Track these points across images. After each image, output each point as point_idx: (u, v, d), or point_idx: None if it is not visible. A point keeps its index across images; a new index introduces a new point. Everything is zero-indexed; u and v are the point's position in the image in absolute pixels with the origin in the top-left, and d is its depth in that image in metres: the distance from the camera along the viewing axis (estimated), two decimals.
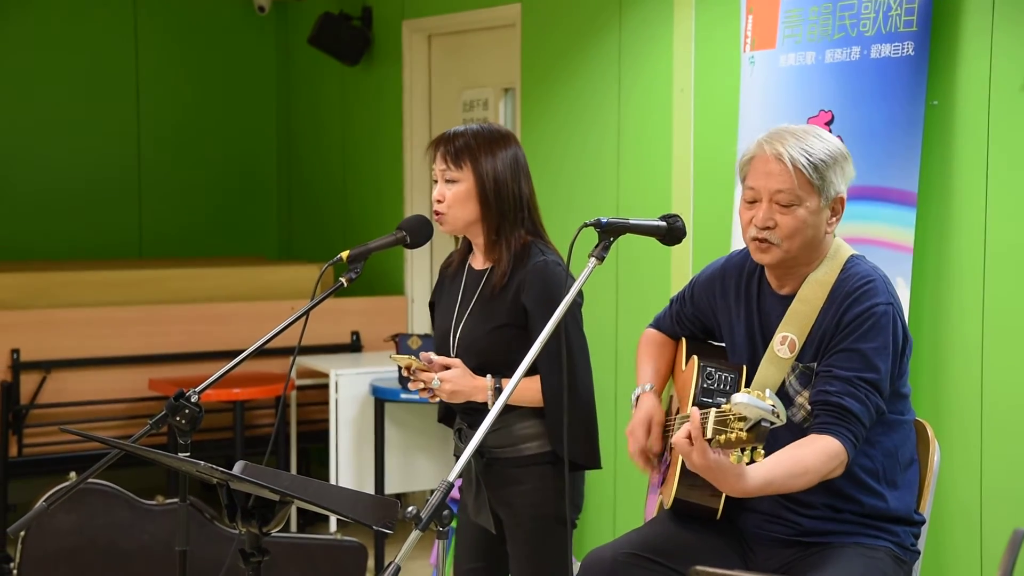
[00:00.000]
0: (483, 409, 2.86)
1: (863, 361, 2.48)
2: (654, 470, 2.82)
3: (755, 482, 2.32)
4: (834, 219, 2.58)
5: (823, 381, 2.51)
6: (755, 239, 2.56)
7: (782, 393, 2.57)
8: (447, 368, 2.85)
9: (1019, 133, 3.27)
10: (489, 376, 2.86)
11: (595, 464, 2.93)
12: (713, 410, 2.22)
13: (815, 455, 2.41)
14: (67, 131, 6.47)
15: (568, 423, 2.77)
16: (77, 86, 6.47)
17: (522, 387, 2.80)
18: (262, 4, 6.68)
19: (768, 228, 2.53)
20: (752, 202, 2.56)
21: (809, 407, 2.54)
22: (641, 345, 2.96)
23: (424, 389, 2.86)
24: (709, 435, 2.22)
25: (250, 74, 6.90)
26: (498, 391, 2.84)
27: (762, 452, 2.15)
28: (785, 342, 2.57)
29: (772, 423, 2.11)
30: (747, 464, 2.20)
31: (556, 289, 2.82)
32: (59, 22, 6.42)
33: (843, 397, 2.46)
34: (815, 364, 2.55)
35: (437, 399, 2.89)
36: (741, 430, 2.13)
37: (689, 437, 2.26)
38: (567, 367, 2.74)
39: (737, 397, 2.12)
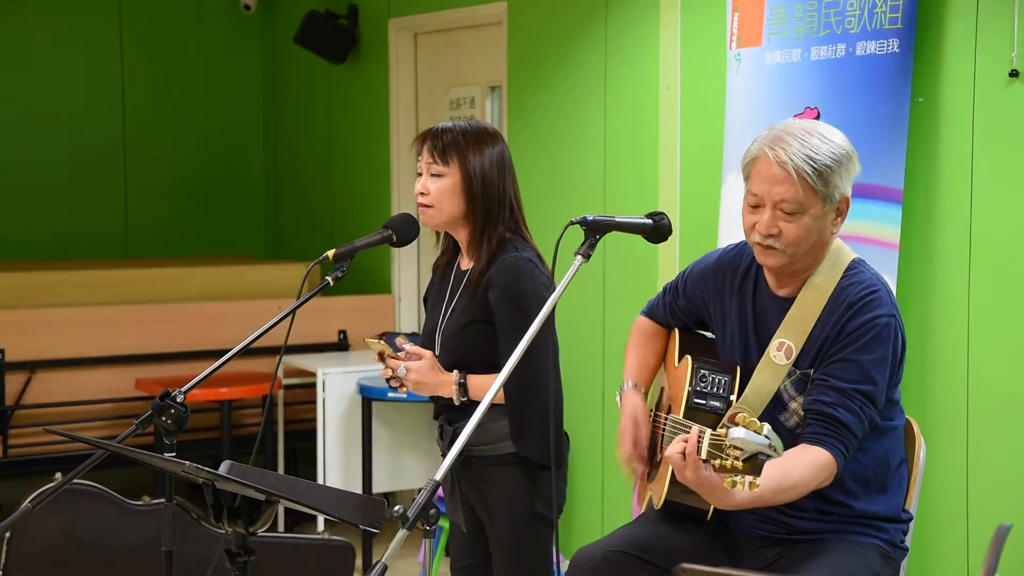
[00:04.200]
0: (457, 406, 2.88)
1: (861, 373, 2.46)
2: (643, 465, 2.80)
3: (743, 496, 2.30)
4: (839, 219, 2.54)
5: (819, 390, 2.49)
6: (759, 244, 2.52)
7: (777, 398, 2.56)
8: (419, 359, 2.87)
9: (1003, 129, 3.27)
10: (456, 371, 2.87)
11: (557, 464, 2.91)
12: (708, 432, 2.22)
13: (805, 469, 2.41)
14: (52, 130, 6.45)
15: (529, 421, 2.78)
16: (62, 84, 6.45)
17: (488, 384, 2.79)
18: (248, 2, 6.66)
19: (772, 235, 2.49)
20: (755, 206, 2.51)
21: (803, 413, 2.53)
22: (632, 335, 2.93)
23: (392, 378, 2.88)
24: (703, 456, 2.22)
25: (236, 72, 6.89)
26: (462, 386, 2.86)
27: (757, 484, 2.13)
28: (782, 348, 2.54)
29: (768, 456, 2.11)
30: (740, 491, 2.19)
31: (521, 285, 2.82)
32: (44, 22, 6.39)
33: (837, 409, 2.45)
34: (812, 371, 2.53)
35: (406, 389, 2.91)
36: (737, 459, 2.13)
37: (683, 452, 2.26)
38: (530, 366, 2.71)
39: (734, 432, 2.11)
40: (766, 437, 2.10)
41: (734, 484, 2.14)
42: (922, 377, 3.45)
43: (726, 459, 2.14)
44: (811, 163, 2.44)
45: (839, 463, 2.44)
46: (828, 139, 2.49)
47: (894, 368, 2.52)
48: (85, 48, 6.49)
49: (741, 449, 2.12)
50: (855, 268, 2.56)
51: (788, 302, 2.58)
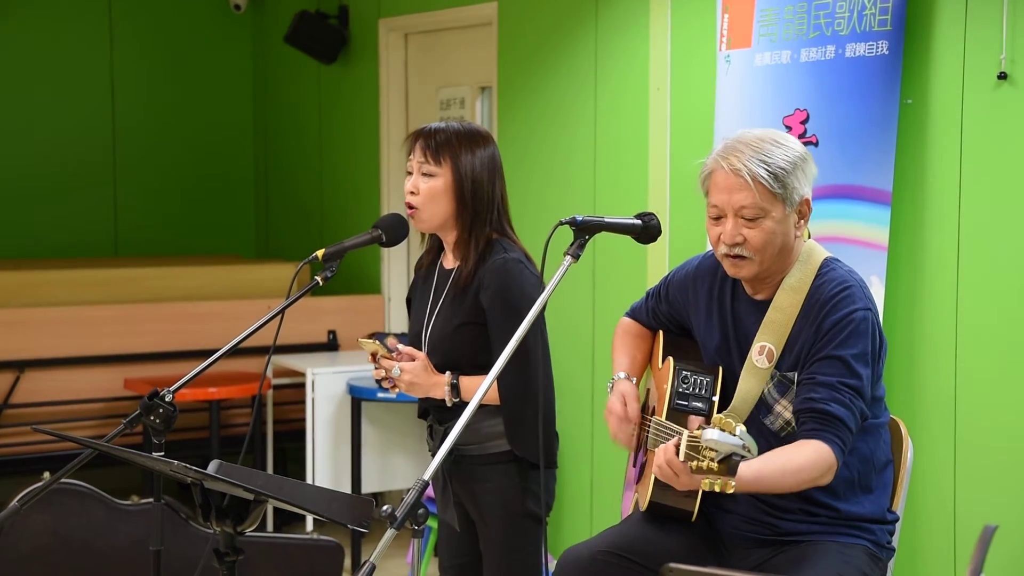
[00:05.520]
0: (448, 406, 2.88)
1: (845, 367, 2.48)
2: (633, 448, 2.80)
3: (745, 477, 2.32)
4: (802, 222, 2.57)
5: (807, 388, 2.50)
6: (727, 256, 2.55)
7: (761, 401, 2.57)
8: (413, 360, 2.87)
9: (992, 131, 3.29)
10: (448, 372, 2.88)
11: (549, 463, 2.92)
12: (685, 433, 2.26)
13: (807, 456, 2.42)
14: (42, 129, 6.43)
15: (526, 420, 2.79)
16: (52, 83, 6.43)
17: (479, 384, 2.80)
18: (238, 2, 6.66)
19: (738, 244, 2.52)
20: (717, 218, 2.54)
21: (788, 415, 2.54)
22: (617, 335, 2.95)
23: (385, 379, 2.88)
24: (681, 458, 2.25)
25: (226, 72, 6.88)
26: (454, 387, 2.86)
27: (732, 485, 2.17)
28: (763, 352, 2.56)
29: (743, 457, 2.15)
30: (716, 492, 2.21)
31: (513, 287, 2.82)
32: (34, 20, 6.37)
33: (829, 403, 2.46)
34: (793, 373, 2.54)
35: (398, 389, 2.91)
36: (712, 460, 2.17)
37: (667, 463, 2.30)
38: (524, 367, 2.74)
39: (708, 433, 2.16)
40: (739, 438, 2.14)
41: (711, 485, 2.17)
42: (910, 378, 3.46)
43: (702, 460, 2.18)
44: (765, 167, 2.47)
45: (837, 457, 2.45)
46: (781, 144, 2.53)
47: (874, 362, 2.53)
48: (75, 47, 6.48)
49: (716, 450, 2.15)
50: (828, 266, 2.58)
51: (765, 305, 2.59)
